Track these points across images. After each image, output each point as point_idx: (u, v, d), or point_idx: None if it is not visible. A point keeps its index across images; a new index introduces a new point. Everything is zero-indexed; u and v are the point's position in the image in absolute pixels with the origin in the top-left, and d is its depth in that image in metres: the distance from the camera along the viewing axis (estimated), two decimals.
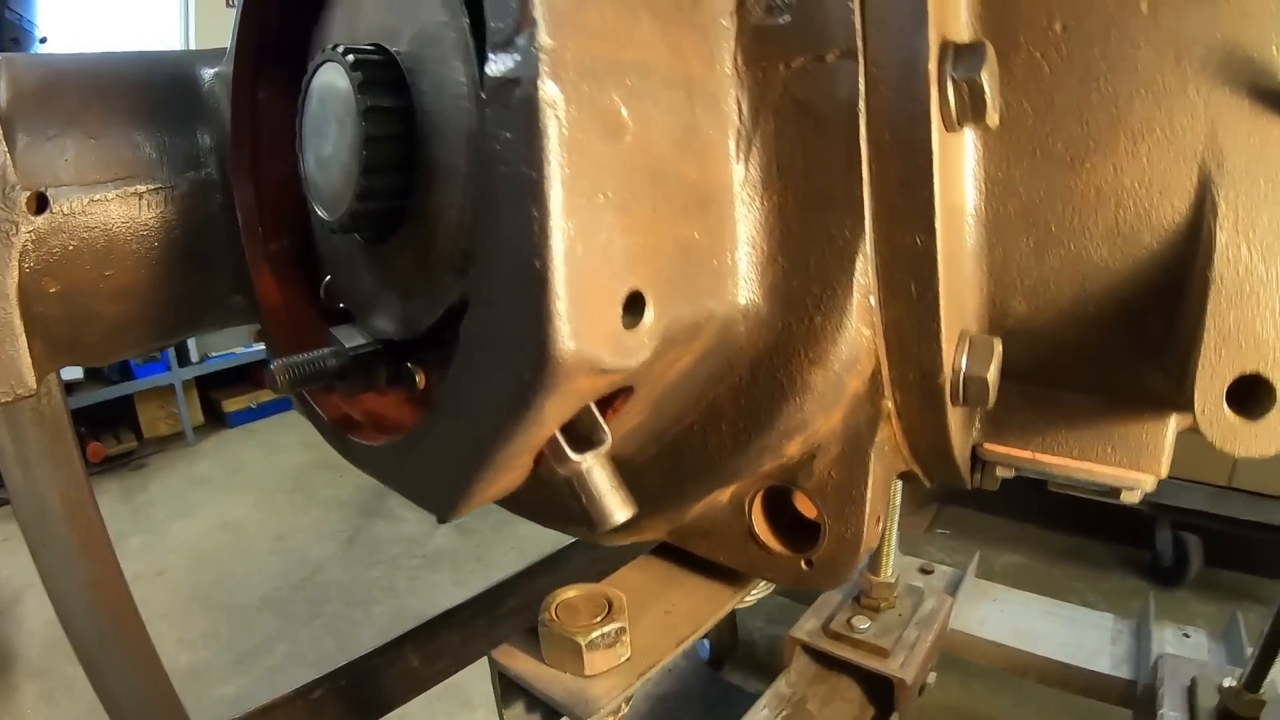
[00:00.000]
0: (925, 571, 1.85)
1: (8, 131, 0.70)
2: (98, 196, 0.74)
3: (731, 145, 0.54)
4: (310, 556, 3.21)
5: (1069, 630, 1.56)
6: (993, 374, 0.61)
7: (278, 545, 3.37)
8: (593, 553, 1.89)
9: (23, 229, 0.70)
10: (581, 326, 0.41)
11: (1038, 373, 0.67)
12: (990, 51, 0.50)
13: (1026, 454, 0.73)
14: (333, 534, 3.23)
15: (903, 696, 1.16)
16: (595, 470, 0.52)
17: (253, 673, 2.56)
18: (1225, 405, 0.55)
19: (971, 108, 0.50)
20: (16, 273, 0.70)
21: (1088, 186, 0.57)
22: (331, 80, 0.60)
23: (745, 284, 0.56)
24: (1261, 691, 1.05)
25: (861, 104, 0.51)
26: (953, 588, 1.85)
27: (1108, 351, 0.63)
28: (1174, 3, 0.51)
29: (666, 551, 0.86)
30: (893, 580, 1.55)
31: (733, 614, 2.39)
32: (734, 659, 2.20)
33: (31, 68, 0.77)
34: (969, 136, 0.56)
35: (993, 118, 0.51)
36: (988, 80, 0.49)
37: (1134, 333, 0.61)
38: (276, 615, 2.76)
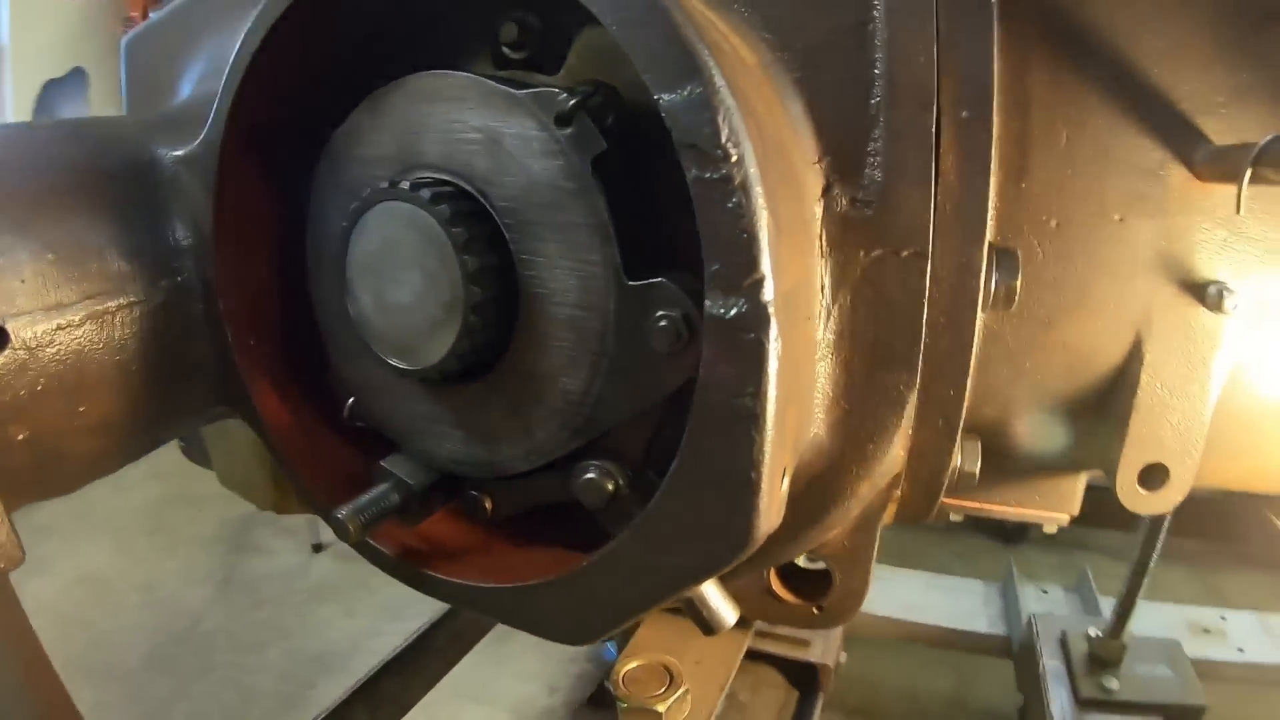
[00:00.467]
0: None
1: None
2: (64, 322, 0.63)
3: (818, 316, 0.66)
4: (186, 605, 2.92)
5: (948, 599, 1.90)
6: (977, 468, 0.79)
7: (148, 596, 3.02)
8: None
9: None
10: (769, 513, 0.52)
11: (993, 452, 0.86)
12: (1020, 258, 0.66)
13: (975, 504, 0.95)
14: (205, 576, 2.95)
15: (826, 679, 1.39)
16: (710, 587, 0.64)
17: None
18: (1137, 485, 0.78)
19: (1004, 300, 0.66)
20: None
21: (1056, 340, 0.76)
22: (409, 223, 0.60)
23: (814, 422, 0.69)
24: (1124, 637, 1.39)
25: (926, 291, 0.65)
26: None
27: (1045, 437, 0.84)
28: (1136, 217, 0.69)
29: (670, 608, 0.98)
30: None
31: None
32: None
33: None
34: None
35: (1014, 304, 0.67)
36: (1019, 284, 0.65)
37: (1069, 430, 0.82)
38: (166, 674, 2.50)
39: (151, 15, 1.08)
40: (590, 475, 0.61)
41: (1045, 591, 1.86)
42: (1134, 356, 0.75)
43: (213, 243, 0.72)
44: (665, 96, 0.44)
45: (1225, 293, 0.70)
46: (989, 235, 0.64)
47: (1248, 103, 0.65)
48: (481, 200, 0.60)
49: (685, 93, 0.44)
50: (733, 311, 0.47)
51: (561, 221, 0.56)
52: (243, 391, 0.76)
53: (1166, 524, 1.23)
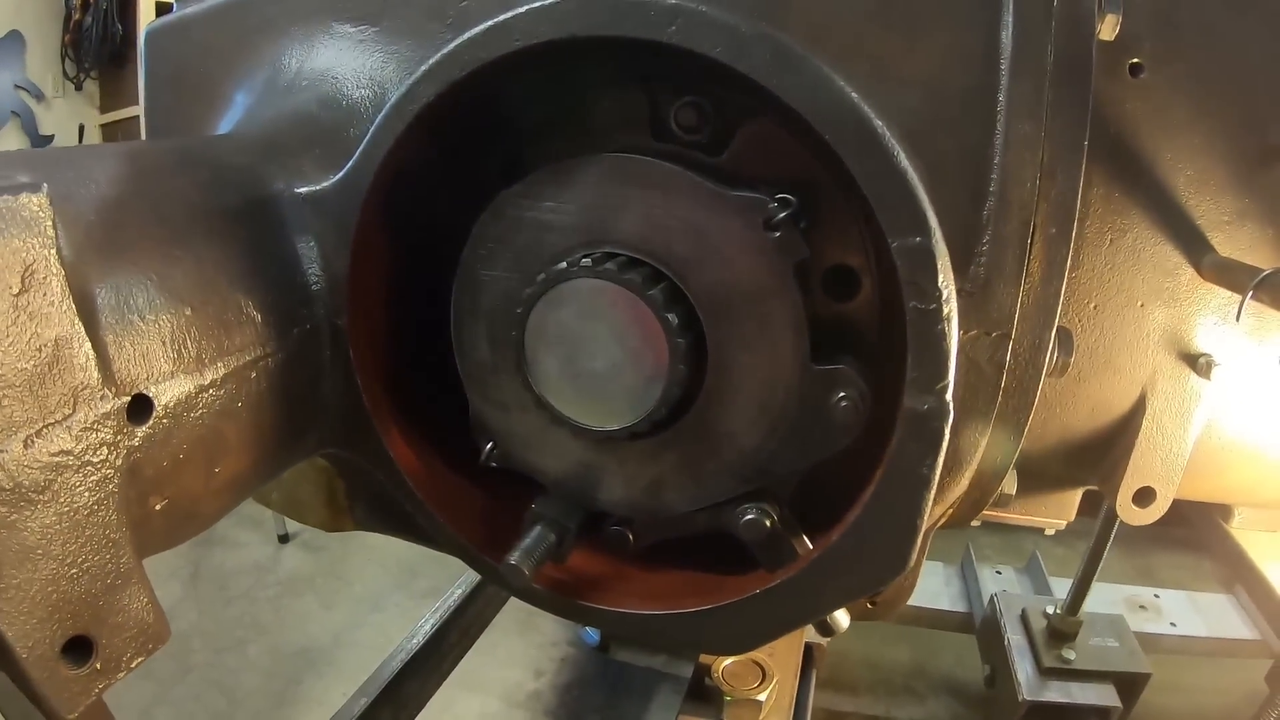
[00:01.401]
0: None
1: (85, 303, 0.52)
2: (205, 382, 0.60)
3: None
4: None
5: None
6: (1014, 490, 1.00)
7: None
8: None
9: (124, 449, 0.54)
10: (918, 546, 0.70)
11: (1022, 475, 1.07)
12: (1075, 336, 0.86)
13: (995, 513, 1.16)
14: (172, 573, 2.84)
15: (820, 658, 1.59)
16: None
17: None
18: (1131, 503, 1.00)
19: (1060, 370, 0.86)
20: (127, 516, 0.55)
21: (1084, 392, 0.96)
22: (614, 300, 0.69)
23: None
24: (1080, 614, 1.66)
25: (1007, 364, 0.83)
26: None
27: (1063, 463, 1.06)
28: (1154, 305, 0.90)
29: None
30: None
31: None
32: (618, 641, 2.52)
33: (84, 190, 0.59)
34: None
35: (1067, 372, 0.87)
36: (1073, 359, 0.85)
37: (1081, 458, 1.04)
38: (144, 678, 2.40)
39: (179, 7, 1.06)
40: (751, 516, 0.77)
41: (999, 572, 2.16)
42: (1139, 407, 0.96)
43: (346, 288, 0.75)
44: (897, 241, 0.60)
45: (1212, 364, 0.92)
46: (1058, 319, 0.83)
47: (1246, 222, 0.87)
48: (678, 282, 0.71)
49: (916, 241, 0.59)
50: (925, 407, 0.63)
51: (760, 311, 0.70)
52: (368, 434, 0.80)
53: (1119, 519, 1.50)
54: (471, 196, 0.79)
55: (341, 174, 0.73)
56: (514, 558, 0.77)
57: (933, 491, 0.66)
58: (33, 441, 0.49)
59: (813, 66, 0.59)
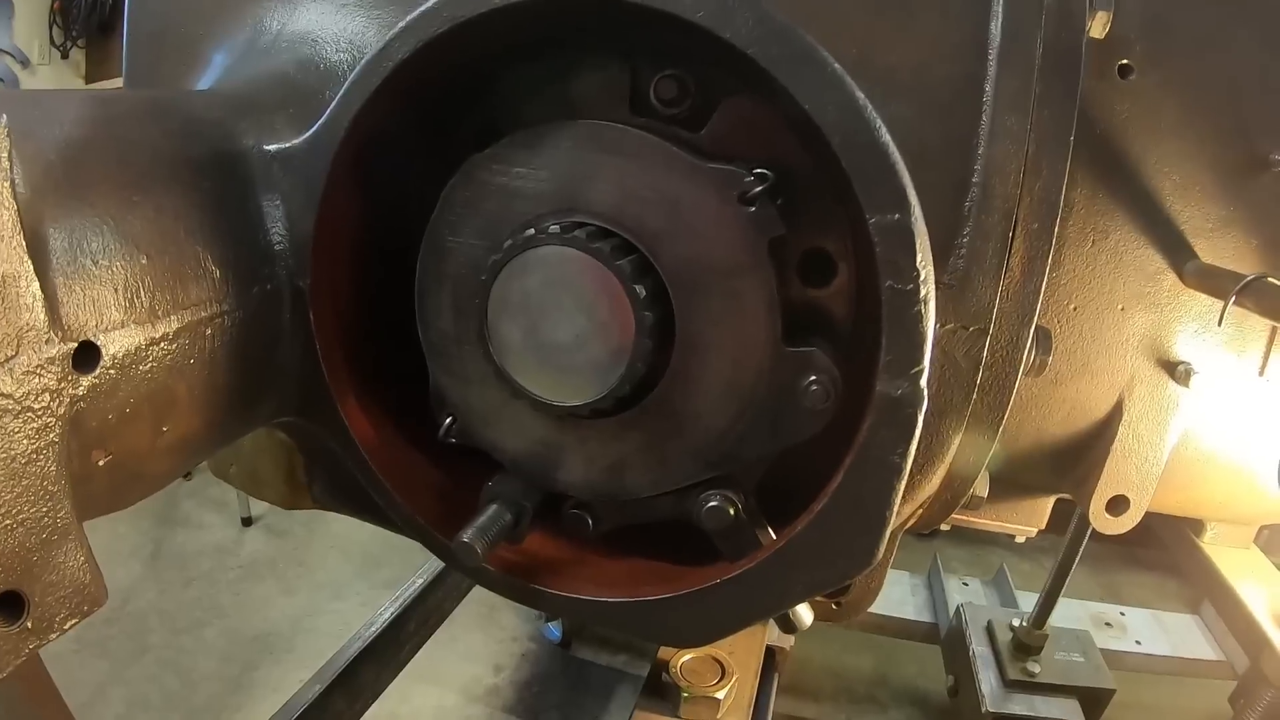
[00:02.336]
0: None
1: (37, 242, 0.50)
2: (157, 335, 0.58)
3: None
4: (114, 581, 2.63)
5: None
6: (986, 493, 0.99)
7: None
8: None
9: (67, 398, 0.51)
10: (885, 539, 0.68)
11: (995, 478, 1.07)
12: (1052, 336, 0.85)
13: (966, 517, 1.15)
14: (132, 551, 2.78)
15: (782, 661, 1.58)
16: None
17: None
18: (1105, 511, 1.00)
19: (1036, 370, 0.85)
20: (67, 470, 0.53)
21: (1060, 395, 0.96)
22: (581, 270, 0.67)
23: None
24: (1045, 628, 1.66)
25: (983, 360, 0.82)
26: None
27: (1036, 468, 1.05)
28: (1134, 309, 0.90)
29: None
30: None
31: None
32: (580, 637, 2.50)
33: (48, 129, 0.56)
34: None
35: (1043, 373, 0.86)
36: (1050, 358, 0.84)
37: (1055, 463, 1.03)
38: (99, 657, 2.36)
39: None
40: (714, 503, 0.75)
41: (966, 584, 2.16)
42: (1116, 413, 0.96)
43: (310, 249, 0.72)
44: (875, 217, 0.58)
45: (1190, 372, 0.92)
46: (1036, 317, 0.82)
47: (1229, 231, 0.86)
48: (648, 255, 0.69)
49: (894, 218, 0.58)
50: (899, 392, 0.62)
51: (732, 288, 0.68)
52: (324, 402, 0.77)
53: (1089, 533, 1.49)
54: (443, 163, 0.77)
55: (311, 131, 0.71)
56: (467, 535, 0.74)
57: (903, 481, 0.65)
58: None
59: (797, 35, 0.58)
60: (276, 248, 0.71)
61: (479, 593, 2.33)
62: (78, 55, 4.43)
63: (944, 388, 0.84)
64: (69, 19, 4.33)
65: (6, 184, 0.46)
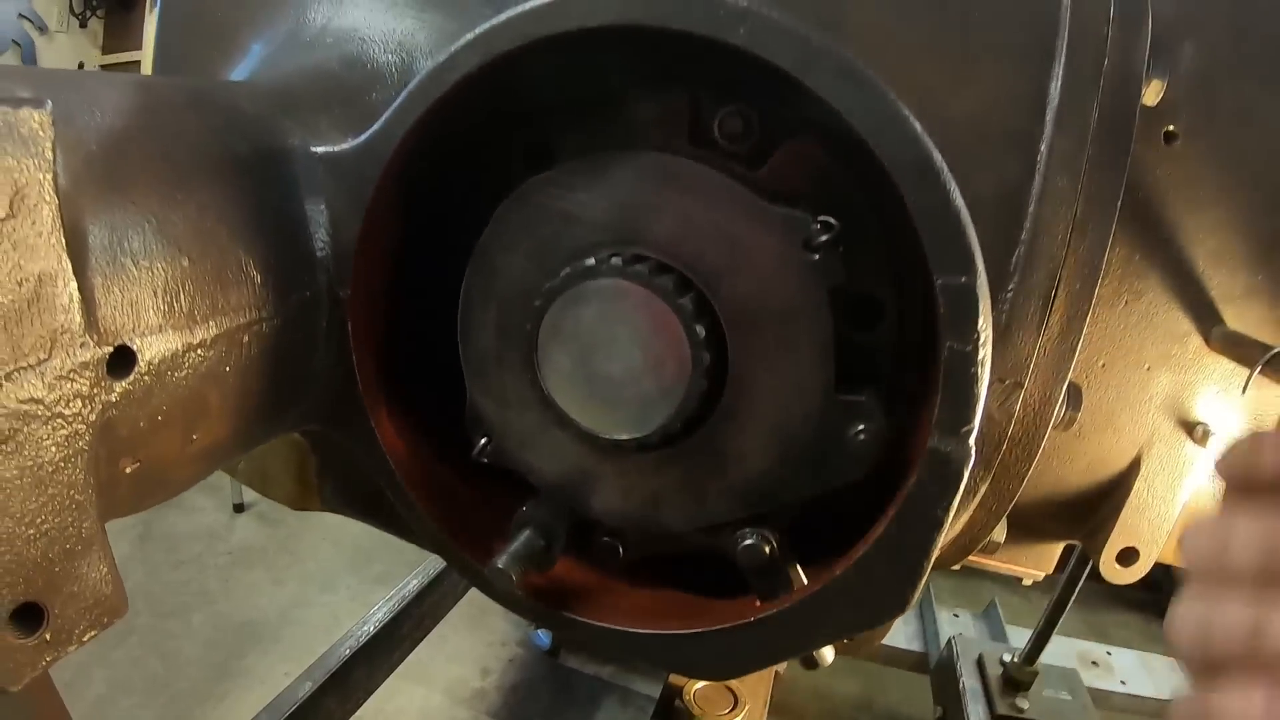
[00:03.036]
0: None
1: (76, 239, 0.47)
2: (195, 341, 0.56)
3: None
4: None
5: None
6: (1003, 538, 1.01)
7: None
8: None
9: (100, 404, 0.50)
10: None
11: (1011, 524, 1.08)
12: (1082, 393, 0.87)
13: (979, 558, 1.17)
14: (120, 531, 2.74)
15: (776, 683, 1.59)
16: None
17: (77, 710, 2.22)
18: (1115, 561, 1.02)
19: (1065, 425, 0.87)
20: (94, 478, 0.52)
21: (1082, 448, 0.98)
22: (639, 304, 0.67)
23: None
24: (1036, 664, 1.68)
25: (1016, 413, 0.84)
26: None
27: (1051, 516, 1.07)
28: (1160, 369, 0.92)
29: None
30: None
31: None
32: (569, 646, 2.50)
33: (89, 116, 0.54)
34: None
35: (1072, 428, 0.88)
36: (1080, 414, 0.86)
37: (1070, 512, 1.05)
38: None
39: None
40: (750, 541, 0.76)
41: (956, 616, 2.18)
42: (1134, 468, 0.98)
43: (354, 258, 0.71)
44: (942, 279, 0.60)
45: (1209, 433, 0.94)
46: (1070, 374, 0.84)
47: (1256, 298, 0.89)
48: (707, 293, 0.69)
49: (961, 281, 0.59)
50: (949, 449, 0.63)
51: (788, 334, 0.69)
52: (356, 414, 0.77)
53: (1086, 572, 1.52)
54: (489, 176, 0.77)
55: (364, 137, 0.70)
56: (501, 562, 0.74)
57: (943, 533, 0.66)
58: (1, 385, 0.44)
59: (880, 89, 0.59)
60: (319, 254, 0.70)
61: (469, 595, 2.33)
62: (96, 26, 4.41)
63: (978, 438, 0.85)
64: None
65: (49, 176, 0.44)
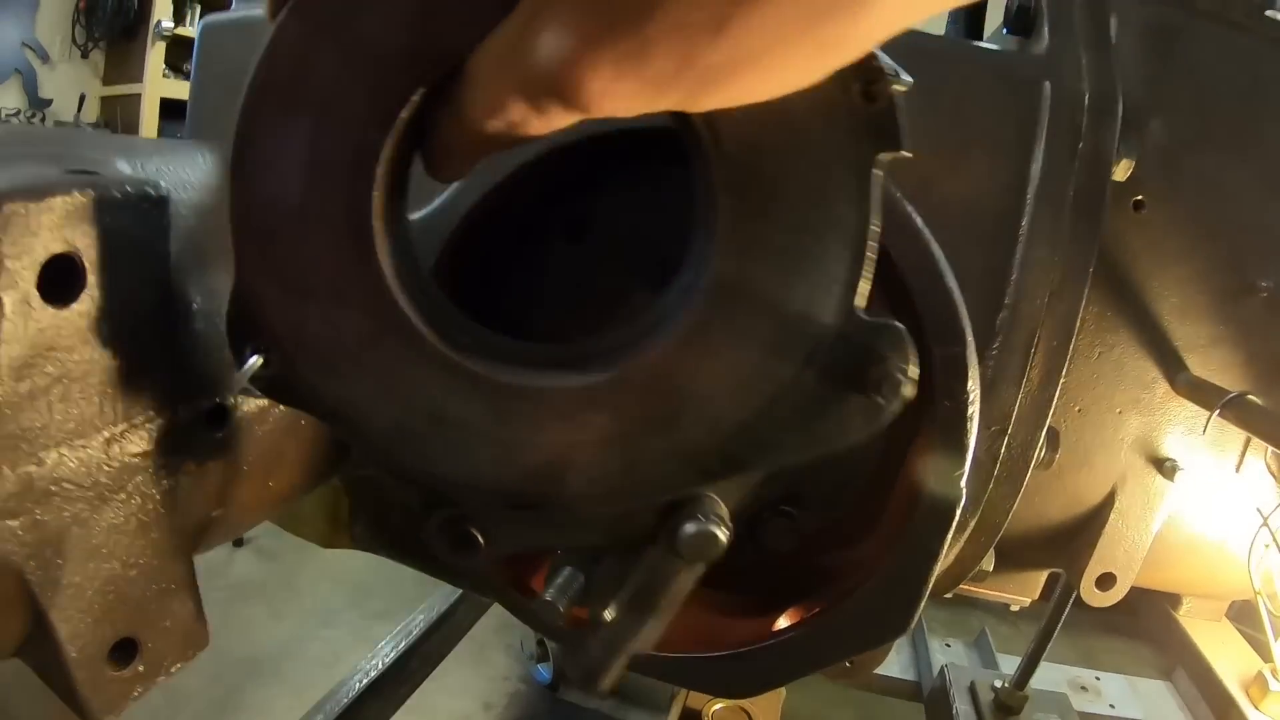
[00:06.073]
0: None
1: (181, 306, 0.57)
2: None
3: None
4: None
5: None
6: (991, 568, 1.13)
7: None
8: (467, 601, 2.16)
9: (199, 454, 0.59)
10: None
11: (997, 554, 1.21)
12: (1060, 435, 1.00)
13: (968, 587, 1.29)
14: None
15: None
16: None
17: None
18: (1094, 586, 1.15)
19: (1045, 465, 1.00)
20: (188, 523, 0.60)
21: (1061, 486, 1.11)
22: None
23: None
24: (1026, 690, 1.81)
25: (1001, 456, 0.96)
26: None
27: (1035, 547, 1.20)
28: (1130, 412, 1.05)
29: None
30: None
31: None
32: (569, 681, 2.58)
33: (183, 193, 0.62)
34: None
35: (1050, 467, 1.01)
36: (1059, 455, 0.99)
37: (1052, 543, 1.18)
38: None
39: (238, 4, 1.13)
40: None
41: (949, 645, 2.30)
42: (1108, 501, 1.11)
43: None
44: (939, 350, 0.73)
45: (1176, 468, 1.07)
46: (1050, 420, 0.97)
47: (1218, 347, 1.03)
48: None
49: (954, 350, 0.72)
50: (943, 491, 0.76)
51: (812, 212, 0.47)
52: None
53: (1072, 599, 1.65)
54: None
55: (427, 211, 0.77)
56: (549, 594, 0.85)
57: (939, 564, 0.79)
58: (115, 442, 0.53)
59: (893, 196, 0.72)
60: None
61: (471, 631, 2.42)
62: (97, 57, 4.49)
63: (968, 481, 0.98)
64: (92, 19, 4.38)
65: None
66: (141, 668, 0.60)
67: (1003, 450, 0.95)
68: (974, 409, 0.74)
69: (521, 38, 0.34)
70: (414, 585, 2.08)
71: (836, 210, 0.45)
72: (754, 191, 0.44)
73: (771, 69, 0.33)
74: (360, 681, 1.72)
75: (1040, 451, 0.99)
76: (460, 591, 2.10)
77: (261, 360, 0.50)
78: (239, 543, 3.00)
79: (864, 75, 0.43)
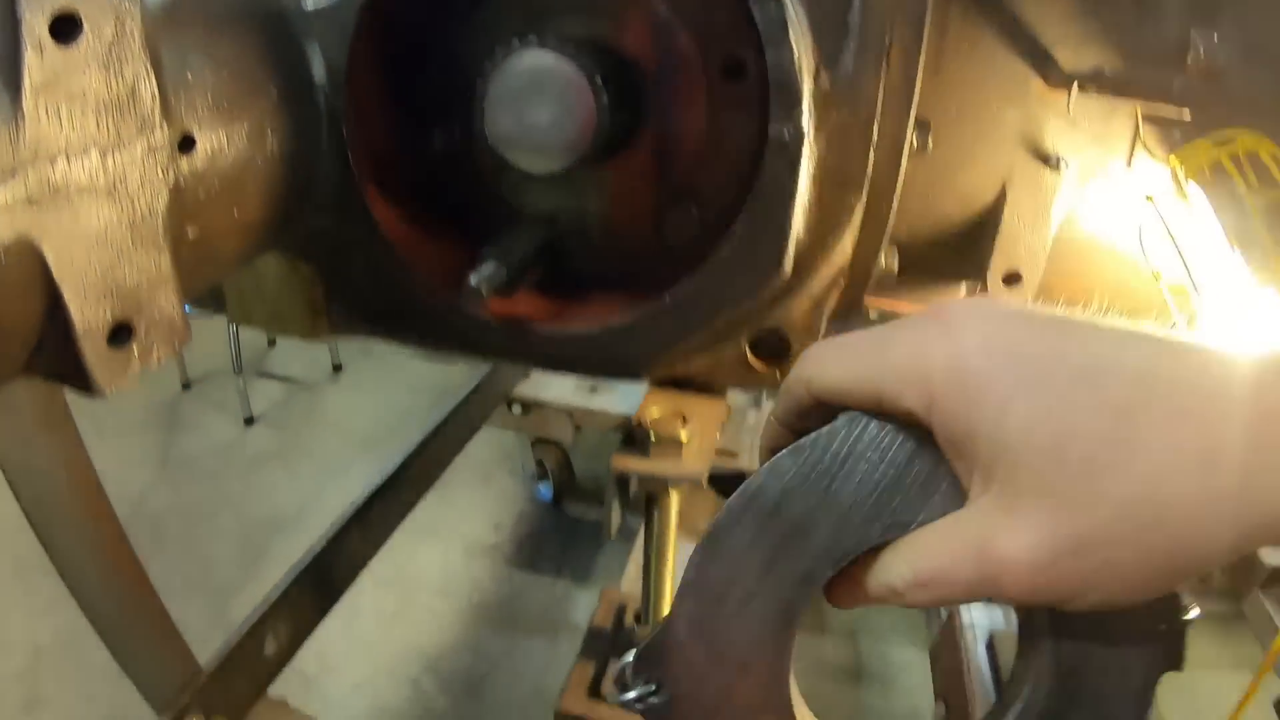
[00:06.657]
0: None
1: (154, 58, 0.68)
2: (234, 134, 0.79)
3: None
4: (128, 487, 3.06)
5: None
6: (895, 267, 1.26)
7: None
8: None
9: (173, 174, 0.71)
10: (790, 258, 0.96)
11: (905, 262, 1.33)
12: (931, 126, 1.12)
13: (888, 303, 1.41)
14: (141, 459, 3.17)
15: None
16: None
17: None
18: (1002, 283, 1.27)
19: (919, 151, 1.11)
20: (167, 228, 0.72)
21: (951, 184, 1.23)
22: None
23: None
24: None
25: (874, 140, 1.08)
26: None
27: (941, 250, 1.32)
28: (1007, 107, 1.16)
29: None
30: None
31: (568, 458, 2.97)
32: (569, 495, 2.78)
33: None
34: None
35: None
36: (930, 141, 1.11)
37: (955, 248, 1.30)
38: None
39: None
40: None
41: None
42: (1001, 198, 1.22)
43: (344, 82, 0.96)
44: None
45: (1063, 161, 1.18)
46: (914, 110, 1.08)
47: (1087, 44, 1.12)
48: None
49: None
50: (785, 131, 0.89)
51: None
52: (353, 200, 1.02)
53: None
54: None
55: None
56: (476, 277, 1.00)
57: (796, 202, 0.93)
58: (109, 154, 0.67)
59: None
60: (317, 81, 0.96)
61: (473, 457, 2.61)
62: None
63: (843, 163, 1.10)
64: None
65: (138, 9, 0.67)
66: (135, 350, 0.74)
67: (875, 135, 1.06)
68: (803, 62, 0.86)
69: (995, 534, 0.41)
70: (418, 431, 2.26)
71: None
72: (1070, 681, 0.54)
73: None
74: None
75: (911, 139, 1.10)
76: (446, 413, 2.27)
77: (653, 690, 0.59)
78: (250, 420, 3.22)
79: (1169, 606, 0.53)
